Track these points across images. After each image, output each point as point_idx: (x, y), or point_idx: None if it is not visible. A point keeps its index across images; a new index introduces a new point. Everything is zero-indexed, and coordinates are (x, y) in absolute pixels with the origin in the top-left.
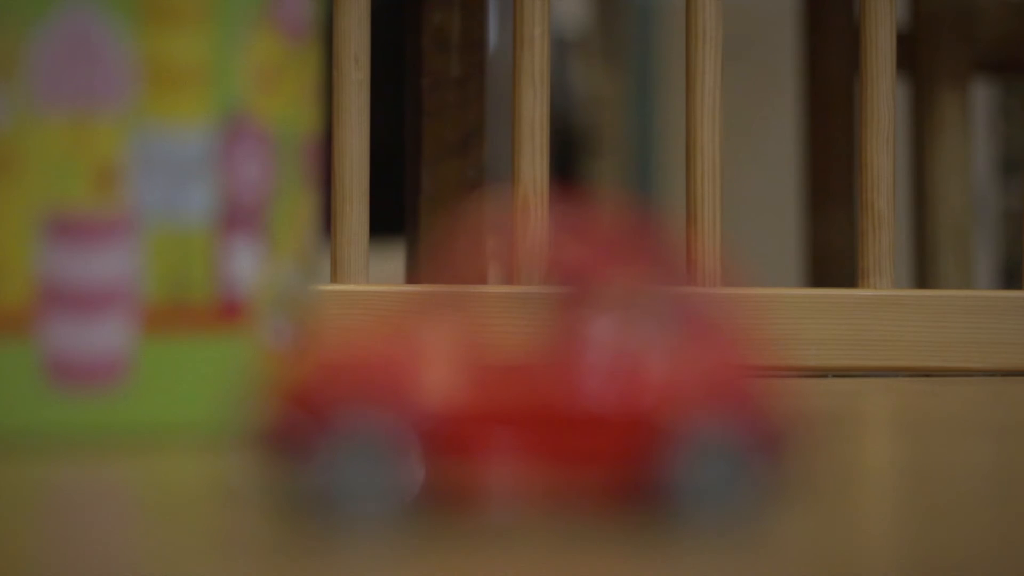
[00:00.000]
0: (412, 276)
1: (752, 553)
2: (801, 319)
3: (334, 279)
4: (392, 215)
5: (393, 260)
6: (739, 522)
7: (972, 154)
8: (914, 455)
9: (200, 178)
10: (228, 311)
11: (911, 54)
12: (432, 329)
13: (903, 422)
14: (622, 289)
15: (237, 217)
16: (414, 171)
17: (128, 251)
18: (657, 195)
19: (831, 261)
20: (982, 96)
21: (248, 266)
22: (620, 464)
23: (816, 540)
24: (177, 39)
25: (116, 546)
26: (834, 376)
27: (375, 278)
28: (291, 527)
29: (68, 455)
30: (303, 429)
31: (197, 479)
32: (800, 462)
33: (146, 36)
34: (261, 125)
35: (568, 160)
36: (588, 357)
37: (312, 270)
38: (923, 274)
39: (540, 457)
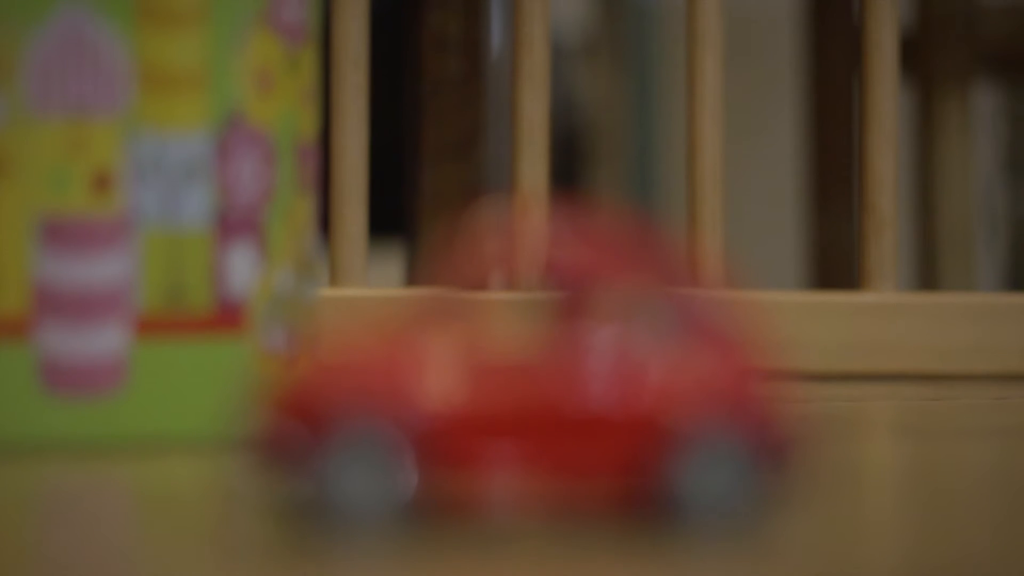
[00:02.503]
0: (411, 280)
1: (757, 559)
2: (803, 323)
3: (332, 283)
4: (391, 218)
5: (392, 263)
6: (744, 528)
7: (981, 157)
8: (917, 459)
9: (197, 182)
10: (225, 316)
11: (916, 56)
12: (429, 334)
13: (906, 427)
14: (625, 292)
15: (234, 221)
16: (413, 174)
17: (124, 255)
18: (659, 199)
19: (834, 264)
20: (991, 99)
21: (245, 271)
22: (623, 470)
23: (821, 545)
24: (174, 42)
25: (112, 551)
26: (836, 380)
27: (374, 282)
28: (288, 534)
29: (64, 461)
30: (298, 436)
31: (193, 485)
32: (805, 467)
33: (143, 39)
34: (258, 128)
35: (569, 164)
36: (590, 362)
37: (310, 274)
38: (927, 277)
39: (541, 463)
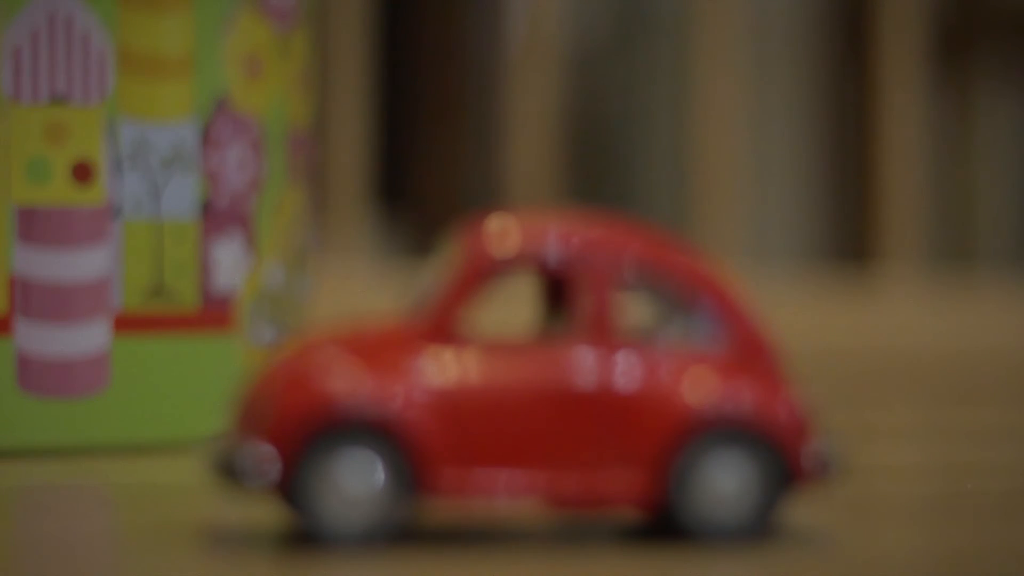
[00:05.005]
0: (409, 283)
1: (770, 559)
2: (815, 305)
3: (327, 284)
4: (392, 217)
5: (391, 265)
6: (758, 528)
7: (1010, 135)
8: (938, 452)
9: (182, 172)
10: (211, 313)
11: (946, 31)
12: (418, 345)
13: (920, 427)
14: (636, 291)
15: (221, 213)
16: (416, 175)
17: (106, 248)
18: (671, 209)
19: (849, 242)
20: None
21: (233, 265)
22: (631, 464)
23: (835, 547)
24: (158, 26)
25: (95, 551)
26: (845, 359)
27: (370, 286)
28: (269, 552)
29: (44, 462)
30: (273, 455)
31: (176, 487)
32: (821, 459)
33: (125, 23)
34: (246, 115)
35: (580, 174)
36: (601, 364)
37: (303, 269)
38: (945, 254)
39: (545, 473)
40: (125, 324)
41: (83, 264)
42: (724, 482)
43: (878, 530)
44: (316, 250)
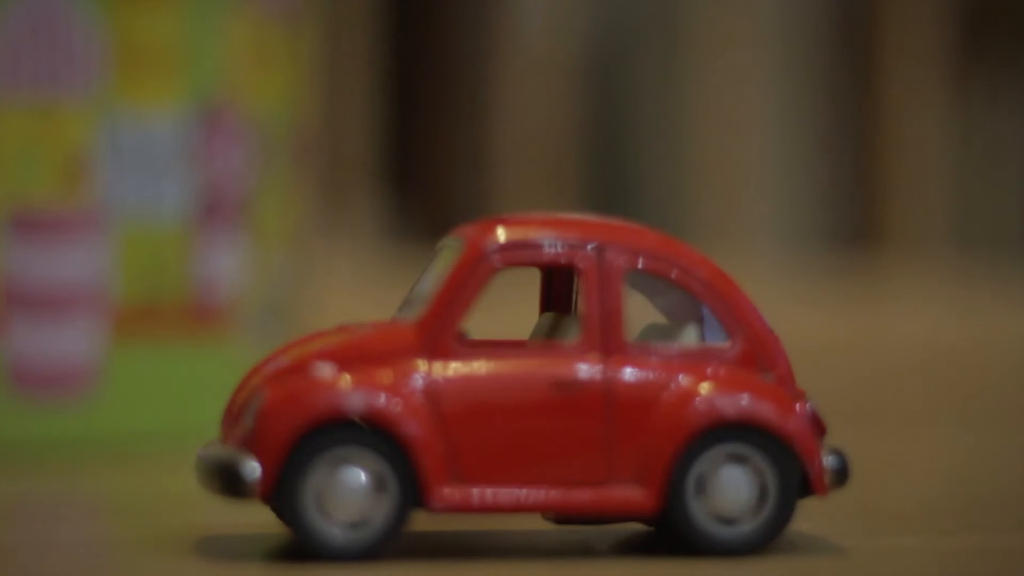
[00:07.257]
0: (410, 288)
1: (772, 561)
2: (820, 301)
3: (331, 276)
4: (398, 210)
5: (397, 257)
6: (772, 538)
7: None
8: (943, 452)
9: (175, 170)
10: (207, 316)
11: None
12: (413, 350)
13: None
14: (643, 283)
15: (216, 212)
16: (423, 168)
17: (97, 249)
18: (673, 208)
19: (857, 236)
20: None
21: (228, 265)
22: (640, 473)
23: (838, 549)
24: (150, 19)
25: (86, 556)
26: (857, 352)
27: (375, 279)
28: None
29: (33, 467)
30: (267, 458)
31: (169, 493)
32: (837, 467)
33: (118, 16)
34: (243, 113)
35: (582, 173)
36: (604, 360)
37: (302, 269)
38: (958, 245)
39: (543, 479)
40: (117, 327)
41: (73, 265)
42: (738, 492)
43: (880, 531)
44: (321, 244)
